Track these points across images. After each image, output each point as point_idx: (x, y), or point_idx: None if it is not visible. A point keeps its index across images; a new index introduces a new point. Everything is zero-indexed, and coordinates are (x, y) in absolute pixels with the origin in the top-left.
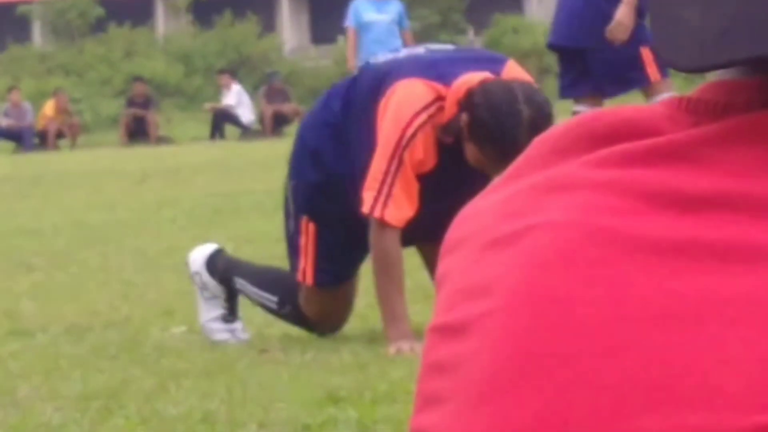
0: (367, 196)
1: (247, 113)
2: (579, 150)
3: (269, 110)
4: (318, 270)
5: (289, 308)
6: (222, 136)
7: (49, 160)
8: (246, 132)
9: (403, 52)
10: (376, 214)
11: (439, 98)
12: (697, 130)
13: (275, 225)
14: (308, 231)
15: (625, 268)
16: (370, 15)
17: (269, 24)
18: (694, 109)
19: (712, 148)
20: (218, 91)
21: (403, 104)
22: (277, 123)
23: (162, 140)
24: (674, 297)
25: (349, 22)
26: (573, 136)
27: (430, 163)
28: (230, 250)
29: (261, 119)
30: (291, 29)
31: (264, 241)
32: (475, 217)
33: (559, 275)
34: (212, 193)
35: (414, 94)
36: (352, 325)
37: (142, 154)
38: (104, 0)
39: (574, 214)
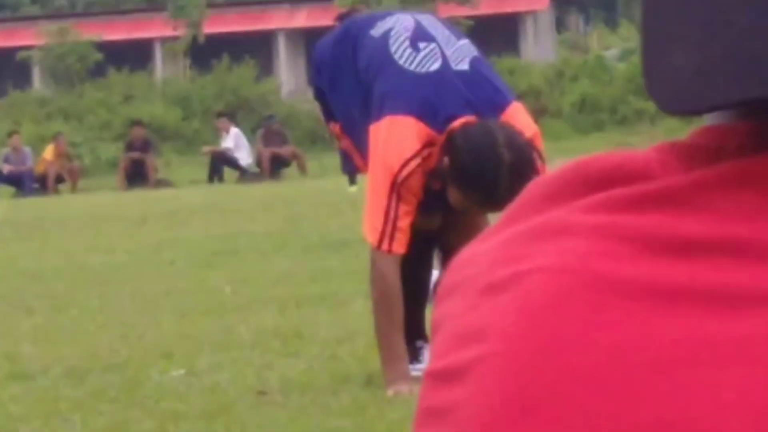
0: (372, 231)
1: (245, 156)
2: (573, 195)
3: (267, 153)
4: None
5: None
6: (220, 179)
7: (49, 203)
8: (244, 174)
9: (420, 59)
10: (384, 247)
11: (430, 144)
12: (689, 175)
13: (273, 266)
14: (336, 130)
15: (620, 313)
16: None
17: (267, 67)
18: (686, 154)
19: (705, 192)
20: (217, 134)
21: (395, 147)
22: (275, 165)
23: (161, 183)
24: (670, 342)
25: None
26: (567, 181)
27: (421, 193)
28: (229, 291)
29: (259, 162)
30: (288, 72)
31: (262, 282)
32: (470, 262)
33: (554, 320)
34: (210, 235)
35: (406, 138)
36: (351, 366)
37: (141, 197)
38: (103, 45)
39: (569, 259)
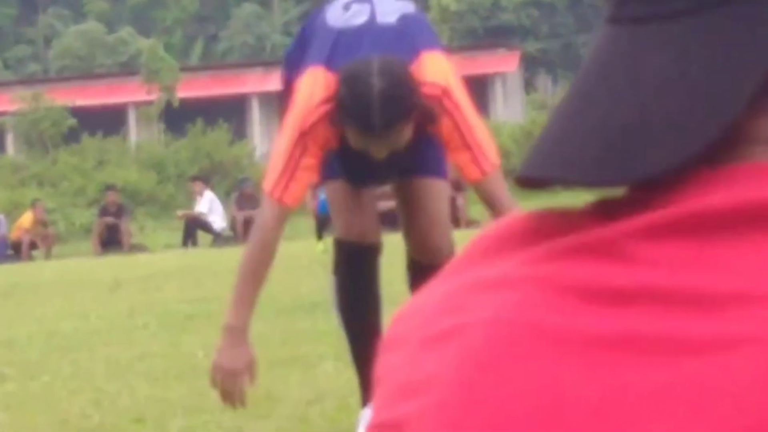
0: (270, 175)
1: (219, 220)
2: (512, 248)
3: (240, 216)
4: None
5: (336, 263)
6: (194, 243)
7: (23, 270)
8: (218, 239)
9: (346, 17)
10: (276, 195)
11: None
12: (622, 224)
13: None
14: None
15: (557, 363)
16: None
17: (240, 130)
18: (619, 206)
19: (637, 242)
20: (191, 198)
21: (305, 96)
22: (249, 229)
23: (135, 248)
24: (605, 390)
25: None
26: (507, 235)
27: (334, 144)
28: (201, 356)
29: (233, 225)
30: (262, 135)
31: None
32: (413, 315)
33: (492, 372)
34: (184, 300)
35: (316, 87)
36: (321, 427)
37: (115, 262)
38: (77, 110)
39: (507, 311)
